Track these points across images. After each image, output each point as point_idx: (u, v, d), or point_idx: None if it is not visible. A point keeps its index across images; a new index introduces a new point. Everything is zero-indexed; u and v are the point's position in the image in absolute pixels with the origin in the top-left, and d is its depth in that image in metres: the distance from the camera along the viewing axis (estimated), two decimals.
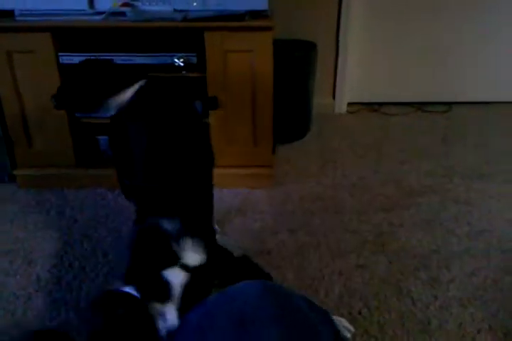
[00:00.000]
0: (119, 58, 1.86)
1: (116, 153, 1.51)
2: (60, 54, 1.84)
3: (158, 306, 0.95)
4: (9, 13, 1.88)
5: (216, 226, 1.58)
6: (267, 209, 1.88)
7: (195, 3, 1.83)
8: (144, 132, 1.35)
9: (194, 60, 1.87)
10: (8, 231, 1.74)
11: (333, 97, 2.88)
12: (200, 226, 1.18)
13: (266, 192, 2.00)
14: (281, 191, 2.01)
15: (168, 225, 1.10)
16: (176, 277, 0.99)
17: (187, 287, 0.97)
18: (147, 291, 0.98)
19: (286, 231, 1.73)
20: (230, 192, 1.98)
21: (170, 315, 0.92)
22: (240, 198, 1.95)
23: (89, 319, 1.20)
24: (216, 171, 2.00)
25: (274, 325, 0.64)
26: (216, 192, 1.93)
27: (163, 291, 0.97)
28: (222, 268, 1.12)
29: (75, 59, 1.86)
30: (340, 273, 1.51)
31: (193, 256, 1.05)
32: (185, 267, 1.02)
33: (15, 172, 2.03)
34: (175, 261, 1.02)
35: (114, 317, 0.93)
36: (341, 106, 2.89)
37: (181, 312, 0.91)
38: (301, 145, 2.45)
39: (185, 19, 1.79)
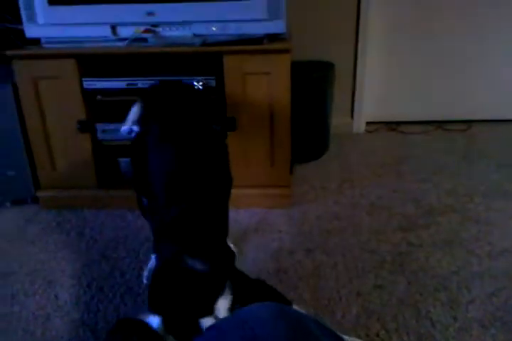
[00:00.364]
0: (141, 82, 1.92)
1: (136, 173, 1.55)
2: (83, 79, 1.91)
3: None
4: (36, 41, 1.97)
5: (234, 247, 1.59)
6: (284, 229, 1.88)
7: (214, 28, 1.88)
8: (166, 153, 1.38)
9: (213, 83, 1.91)
10: (30, 252, 1.78)
11: (352, 117, 2.90)
12: (224, 256, 1.18)
13: (283, 211, 2.00)
14: (299, 211, 2.01)
15: (195, 263, 1.10)
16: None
17: None
18: (179, 332, 0.99)
19: (303, 251, 1.73)
20: (246, 212, 1.99)
21: None
22: (256, 218, 1.96)
23: None
24: (233, 191, 2.03)
25: None
26: (233, 213, 1.95)
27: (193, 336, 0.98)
28: (242, 293, 1.12)
29: (98, 84, 1.93)
30: (358, 294, 1.49)
31: (225, 303, 1.05)
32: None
33: (38, 193, 2.09)
34: (210, 309, 1.02)
35: None
36: (360, 126, 2.90)
37: None
38: (319, 165, 2.46)
39: (204, 43, 1.85)
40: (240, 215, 1.96)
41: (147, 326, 0.98)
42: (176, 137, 1.42)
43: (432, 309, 1.42)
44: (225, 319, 0.78)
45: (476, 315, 1.38)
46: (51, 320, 1.42)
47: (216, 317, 1.01)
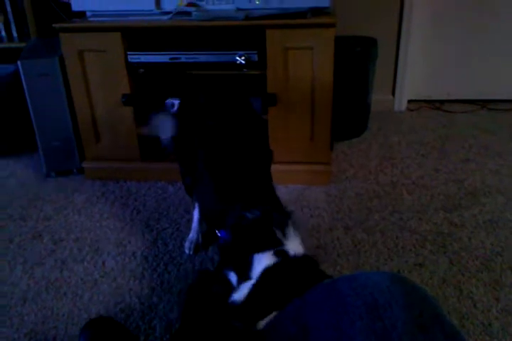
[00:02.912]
0: (184, 56, 1.92)
1: (179, 152, 1.57)
2: (128, 53, 1.92)
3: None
4: (81, 14, 1.99)
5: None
6: (324, 206, 1.88)
7: (257, 2, 1.86)
8: (206, 131, 1.39)
9: (255, 57, 1.89)
10: (77, 220, 1.84)
11: (393, 94, 2.84)
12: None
13: (322, 188, 2.00)
14: (338, 188, 2.01)
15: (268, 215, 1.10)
16: (262, 261, 0.99)
17: (269, 273, 0.97)
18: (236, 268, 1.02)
19: (343, 228, 1.73)
20: (286, 188, 2.00)
21: (239, 291, 0.96)
22: (296, 194, 1.97)
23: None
24: (273, 167, 2.03)
25: (406, 311, 0.67)
26: None
27: (245, 271, 1.00)
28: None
29: (142, 58, 1.94)
30: (399, 272, 1.49)
31: (294, 244, 1.03)
32: (281, 254, 1.01)
33: (83, 164, 2.15)
34: (273, 245, 1.01)
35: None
36: (401, 104, 2.84)
37: (253, 296, 0.94)
38: (359, 143, 2.43)
39: (247, 18, 1.82)
40: (279, 191, 1.96)
41: (226, 279, 1.01)
42: (215, 114, 1.42)
43: (474, 289, 1.41)
44: (342, 280, 0.79)
45: None
46: (98, 286, 1.48)
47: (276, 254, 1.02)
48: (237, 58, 1.90)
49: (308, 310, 0.78)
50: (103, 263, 1.59)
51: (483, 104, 2.79)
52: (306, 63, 1.87)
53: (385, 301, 0.69)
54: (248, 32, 1.97)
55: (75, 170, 2.18)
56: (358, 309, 0.69)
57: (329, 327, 0.70)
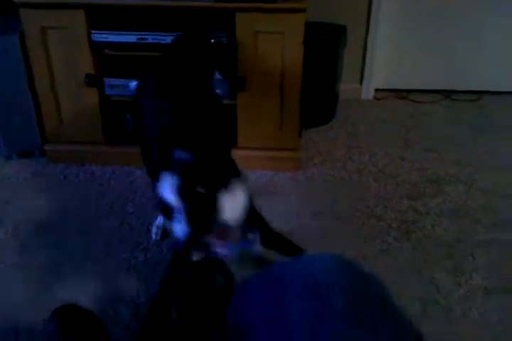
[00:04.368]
0: (151, 37, 1.86)
1: (137, 132, 1.52)
2: (92, 31, 1.85)
3: None
4: None
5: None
6: (291, 192, 1.88)
7: None
8: (160, 110, 1.34)
9: (225, 40, 1.86)
10: (38, 204, 1.77)
11: (361, 83, 2.85)
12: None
13: (290, 175, 2.00)
14: (306, 175, 2.01)
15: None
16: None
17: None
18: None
19: (310, 214, 1.74)
20: (254, 174, 1.99)
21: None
22: (264, 180, 1.96)
23: None
24: (242, 153, 2.01)
25: (346, 294, 0.66)
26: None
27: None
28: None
29: (107, 37, 1.87)
30: (364, 258, 1.51)
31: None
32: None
33: (45, 147, 2.07)
34: None
35: None
36: (368, 92, 2.86)
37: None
38: (327, 130, 2.44)
39: (218, 0, 1.78)
40: (248, 178, 1.95)
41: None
42: (170, 93, 1.37)
43: (436, 275, 1.44)
44: (286, 262, 0.78)
45: (480, 283, 1.41)
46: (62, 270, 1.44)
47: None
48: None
49: (251, 296, 0.77)
50: (66, 247, 1.54)
51: (448, 94, 2.84)
52: (275, 48, 1.86)
53: (327, 283, 0.68)
54: (218, 14, 1.93)
55: (37, 153, 2.10)
56: (299, 289, 0.68)
57: (268, 312, 0.69)
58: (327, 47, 2.39)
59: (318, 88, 2.44)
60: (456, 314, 1.30)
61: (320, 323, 0.62)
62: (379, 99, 2.84)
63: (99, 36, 1.87)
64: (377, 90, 2.88)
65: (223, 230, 1.03)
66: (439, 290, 1.38)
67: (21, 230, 1.63)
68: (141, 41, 1.88)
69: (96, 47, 1.89)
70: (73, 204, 1.77)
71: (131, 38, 1.88)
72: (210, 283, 0.97)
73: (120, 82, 1.96)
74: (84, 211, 1.73)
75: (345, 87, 2.72)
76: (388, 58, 2.81)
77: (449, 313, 1.30)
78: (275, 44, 1.84)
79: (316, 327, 0.62)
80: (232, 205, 1.03)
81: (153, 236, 1.58)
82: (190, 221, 1.00)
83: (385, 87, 2.89)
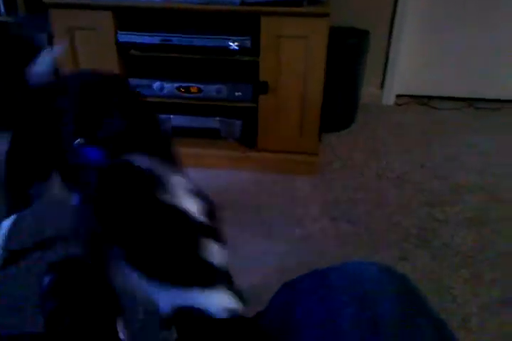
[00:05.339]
0: (176, 38, 1.89)
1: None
2: (119, 32, 1.88)
3: None
4: None
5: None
6: (309, 196, 1.88)
7: None
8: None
9: (248, 43, 1.87)
10: None
11: (382, 88, 2.84)
12: None
13: (309, 179, 2.00)
14: (324, 179, 2.01)
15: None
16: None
17: None
18: None
19: (328, 219, 1.74)
20: (272, 176, 1.99)
21: None
22: (283, 183, 1.97)
23: None
24: (261, 155, 2.03)
25: (395, 302, 0.67)
26: (259, 176, 1.96)
27: None
28: None
29: (133, 37, 1.90)
30: None
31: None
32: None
33: None
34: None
35: None
36: (389, 98, 2.85)
37: None
38: (347, 135, 2.44)
39: (243, 3, 1.80)
40: (265, 179, 1.97)
41: None
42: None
43: (454, 285, 1.43)
44: (328, 270, 0.79)
45: (497, 294, 1.40)
46: None
47: None
48: (230, 43, 1.88)
49: (297, 298, 0.78)
50: None
51: (471, 102, 2.81)
52: (298, 52, 1.86)
53: (374, 292, 0.69)
54: (243, 18, 1.95)
55: None
56: (346, 298, 0.69)
57: (317, 316, 0.70)
58: (350, 52, 2.39)
59: (339, 93, 2.44)
60: (473, 324, 1.29)
61: (374, 331, 0.63)
62: (400, 105, 2.83)
63: (126, 37, 1.90)
64: (398, 96, 2.87)
65: None
66: (456, 300, 1.37)
67: None
68: (165, 42, 1.90)
69: (122, 48, 1.92)
70: None
71: (155, 39, 1.90)
72: None
73: (144, 82, 1.99)
74: None
75: (366, 91, 2.72)
76: (410, 64, 2.79)
77: (466, 323, 1.29)
78: (298, 48, 1.85)
79: (370, 335, 0.63)
80: None
81: None
82: None
83: (406, 93, 2.88)
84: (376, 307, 0.66)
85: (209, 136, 2.11)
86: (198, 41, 1.88)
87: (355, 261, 0.77)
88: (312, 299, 0.73)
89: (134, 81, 1.98)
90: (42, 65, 1.28)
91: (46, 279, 0.94)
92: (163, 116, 2.05)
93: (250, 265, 1.48)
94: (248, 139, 2.08)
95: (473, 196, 1.90)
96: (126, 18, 1.94)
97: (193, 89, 1.99)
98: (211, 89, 1.98)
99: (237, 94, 1.97)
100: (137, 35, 1.90)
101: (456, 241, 1.63)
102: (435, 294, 1.39)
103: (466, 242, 1.63)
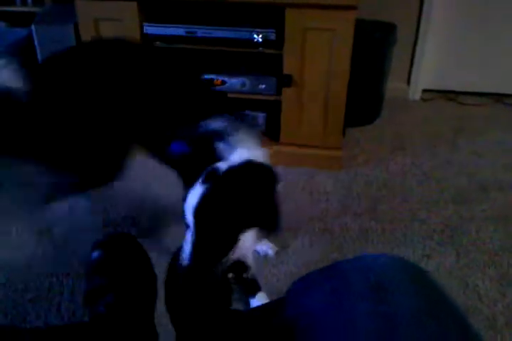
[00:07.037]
0: (200, 31, 1.88)
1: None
2: (144, 24, 1.88)
3: None
4: None
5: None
6: (333, 191, 1.86)
7: None
8: None
9: (273, 36, 1.85)
10: None
11: (408, 83, 2.79)
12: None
13: (332, 173, 1.98)
14: (348, 174, 1.98)
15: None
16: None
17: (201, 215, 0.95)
18: None
19: (351, 215, 1.71)
20: (296, 170, 1.97)
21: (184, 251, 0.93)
22: (306, 178, 1.95)
23: None
24: (284, 149, 2.01)
25: (412, 297, 0.65)
26: (281, 170, 1.94)
27: None
28: None
29: (158, 29, 1.90)
30: None
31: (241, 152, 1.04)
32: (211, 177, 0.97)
33: None
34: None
35: None
36: (415, 93, 2.79)
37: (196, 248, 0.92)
38: (372, 130, 2.40)
39: None
40: (289, 173, 1.94)
41: None
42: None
43: (480, 283, 1.40)
44: (343, 261, 0.78)
45: None
46: None
47: None
48: (255, 36, 1.86)
49: (308, 290, 0.76)
50: None
51: (499, 97, 2.74)
52: (324, 45, 1.83)
53: (390, 284, 0.67)
54: (268, 10, 1.93)
55: None
56: (361, 289, 0.67)
57: (330, 308, 0.69)
58: (376, 45, 2.35)
59: (364, 87, 2.40)
60: (500, 324, 1.26)
61: (390, 326, 0.61)
62: (426, 100, 2.77)
63: (151, 29, 1.90)
64: (424, 91, 2.81)
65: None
66: (482, 299, 1.34)
67: None
68: (190, 35, 1.89)
69: (147, 40, 1.92)
70: None
71: (180, 31, 1.90)
72: None
73: None
74: None
75: (392, 86, 2.67)
76: (437, 58, 2.73)
77: (493, 323, 1.26)
78: (324, 41, 1.82)
79: (387, 330, 0.61)
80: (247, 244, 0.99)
81: None
82: (196, 250, 0.92)
83: (433, 88, 2.82)
84: (392, 302, 0.64)
85: None
86: (222, 33, 1.87)
87: (371, 253, 0.75)
88: (324, 291, 0.72)
89: None
90: None
91: (94, 254, 0.95)
92: None
93: (270, 259, 1.48)
94: (272, 132, 2.06)
95: (501, 193, 1.86)
96: (151, 10, 1.94)
97: (216, 82, 1.98)
98: (235, 82, 1.97)
99: (260, 86, 1.96)
100: (163, 26, 1.90)
101: (482, 238, 1.59)
102: (461, 293, 1.36)
103: (493, 240, 1.59)
